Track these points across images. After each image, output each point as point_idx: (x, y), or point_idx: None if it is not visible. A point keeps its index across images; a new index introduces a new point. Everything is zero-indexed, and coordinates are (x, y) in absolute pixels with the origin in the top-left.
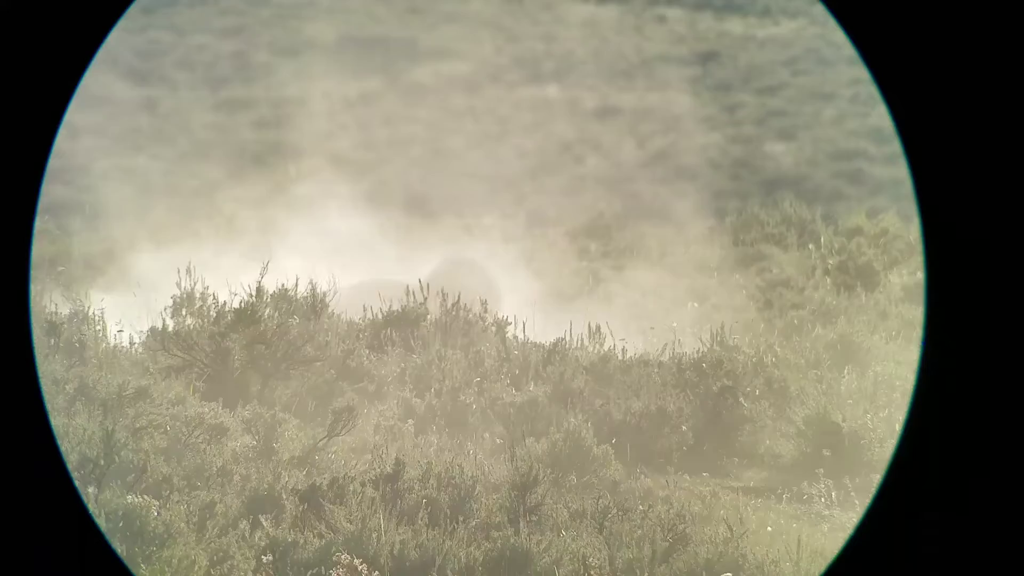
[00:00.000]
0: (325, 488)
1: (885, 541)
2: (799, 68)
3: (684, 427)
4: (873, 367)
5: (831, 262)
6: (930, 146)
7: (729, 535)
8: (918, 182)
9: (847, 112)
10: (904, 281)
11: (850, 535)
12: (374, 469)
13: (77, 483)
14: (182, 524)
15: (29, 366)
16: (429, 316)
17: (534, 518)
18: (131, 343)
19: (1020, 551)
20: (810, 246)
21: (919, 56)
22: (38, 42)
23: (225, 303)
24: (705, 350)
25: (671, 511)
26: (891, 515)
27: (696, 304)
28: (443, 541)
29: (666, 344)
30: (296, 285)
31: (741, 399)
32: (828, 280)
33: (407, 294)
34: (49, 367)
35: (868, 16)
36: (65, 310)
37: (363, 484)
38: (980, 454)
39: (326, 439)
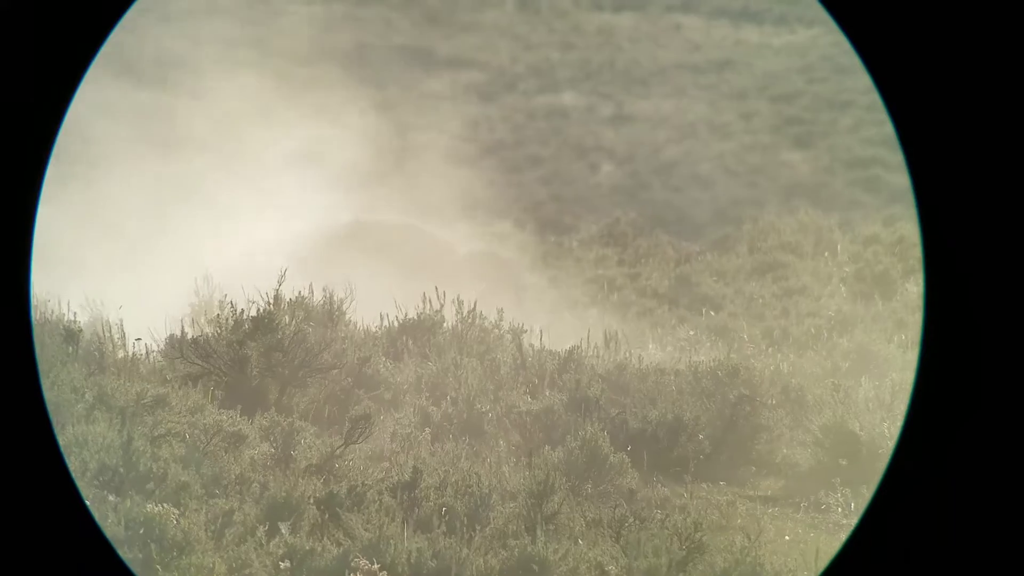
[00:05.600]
0: (343, 496)
1: (882, 542)
2: (815, 76)
3: (701, 436)
4: (890, 376)
5: (848, 270)
6: (931, 152)
7: (746, 544)
8: (918, 189)
9: (863, 120)
10: (921, 289)
11: (847, 538)
12: (391, 477)
13: (82, 491)
14: (201, 532)
15: (32, 376)
16: (445, 324)
17: (551, 526)
18: (149, 351)
19: (1019, 551)
20: (826, 254)
21: (921, 63)
22: (38, 42)
23: (243, 311)
24: (721, 358)
25: (688, 520)
26: (888, 518)
27: (712, 312)
28: (460, 549)
29: (682, 352)
30: (312, 293)
31: (758, 407)
32: (844, 288)
33: (423, 302)
34: (67, 375)
35: (871, 21)
36: (84, 318)
37: (380, 492)
38: (978, 455)
39: (343, 447)
